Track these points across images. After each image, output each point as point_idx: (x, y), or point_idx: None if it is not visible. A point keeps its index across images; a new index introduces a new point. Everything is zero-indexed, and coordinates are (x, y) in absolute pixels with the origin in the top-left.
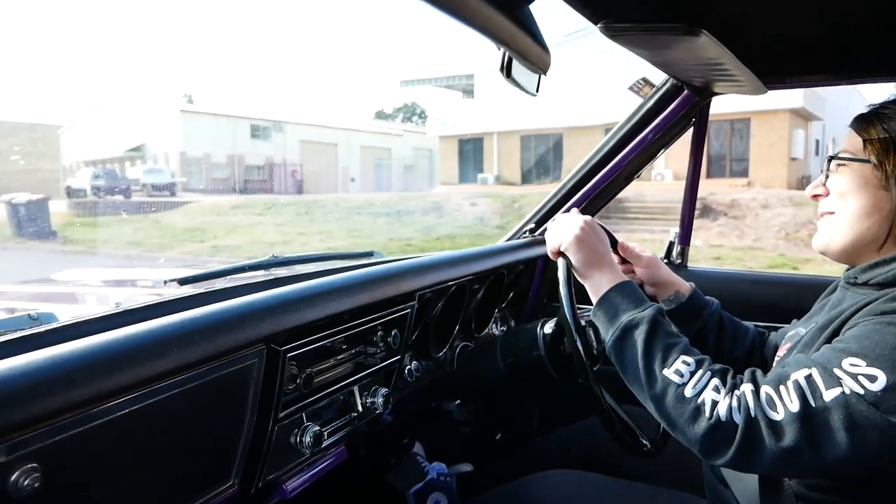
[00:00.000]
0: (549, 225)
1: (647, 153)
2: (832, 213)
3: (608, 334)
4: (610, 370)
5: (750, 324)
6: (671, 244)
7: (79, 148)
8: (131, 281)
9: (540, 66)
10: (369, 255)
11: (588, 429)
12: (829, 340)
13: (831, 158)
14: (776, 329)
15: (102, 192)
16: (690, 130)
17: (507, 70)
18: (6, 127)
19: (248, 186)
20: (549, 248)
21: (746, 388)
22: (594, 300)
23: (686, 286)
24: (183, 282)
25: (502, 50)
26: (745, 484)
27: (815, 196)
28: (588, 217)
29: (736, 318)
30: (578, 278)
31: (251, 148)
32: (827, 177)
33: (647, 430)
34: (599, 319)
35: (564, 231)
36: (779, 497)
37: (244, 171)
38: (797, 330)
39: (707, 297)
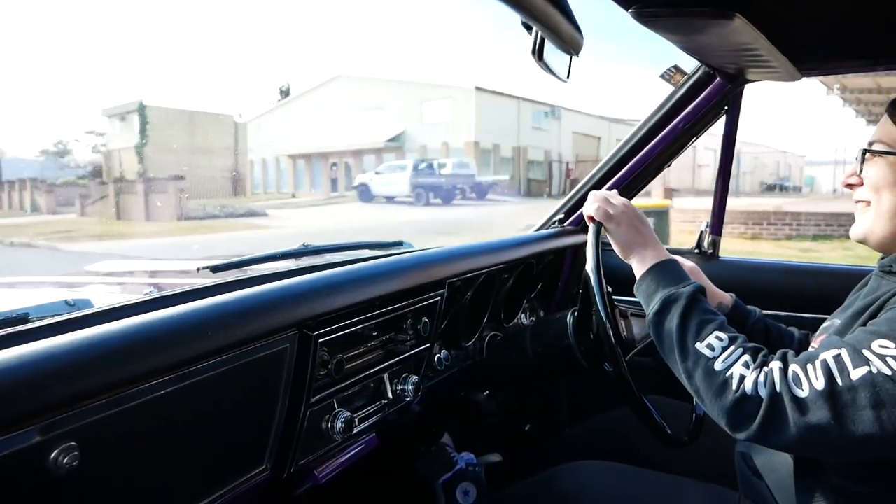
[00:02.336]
0: (592, 194)
1: (678, 142)
2: (868, 203)
3: (648, 308)
4: (642, 361)
5: (794, 329)
6: (702, 234)
7: (283, 138)
8: (162, 271)
9: (572, 46)
10: (399, 244)
11: (618, 419)
12: (864, 325)
13: (865, 151)
14: (812, 321)
15: (430, 191)
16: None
17: (538, 53)
18: (176, 116)
19: (531, 188)
20: (587, 212)
21: (775, 365)
22: (638, 276)
23: (727, 297)
24: (215, 269)
25: (534, 30)
26: (779, 475)
27: (850, 185)
28: (626, 199)
29: (780, 325)
30: (623, 258)
31: (532, 139)
32: (862, 164)
33: (680, 421)
34: (641, 294)
35: (608, 207)
36: (815, 488)
37: (525, 168)
38: (832, 321)
39: (749, 307)
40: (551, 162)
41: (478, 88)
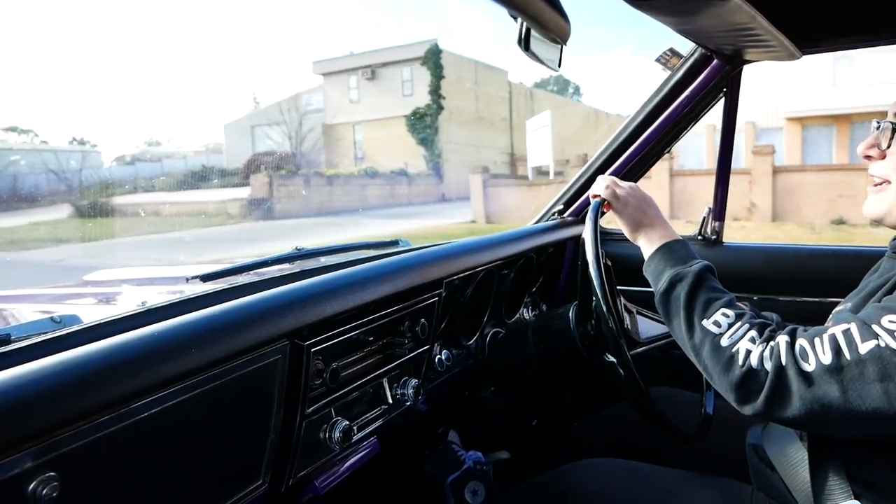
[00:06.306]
0: (600, 177)
1: (677, 127)
2: (889, 181)
3: (656, 287)
4: (648, 354)
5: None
6: (704, 220)
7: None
8: (156, 279)
9: (559, 35)
10: (395, 243)
11: (628, 412)
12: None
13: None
14: (827, 305)
15: None
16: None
17: (525, 43)
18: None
19: None
20: (594, 191)
21: (782, 339)
22: (646, 256)
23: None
24: (205, 278)
25: (519, 20)
26: (792, 466)
27: (868, 157)
28: (632, 182)
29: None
30: (631, 240)
31: None
32: (891, 140)
33: (690, 413)
34: (650, 274)
35: (616, 188)
36: (829, 477)
37: None
38: (846, 305)
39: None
40: None
41: None
